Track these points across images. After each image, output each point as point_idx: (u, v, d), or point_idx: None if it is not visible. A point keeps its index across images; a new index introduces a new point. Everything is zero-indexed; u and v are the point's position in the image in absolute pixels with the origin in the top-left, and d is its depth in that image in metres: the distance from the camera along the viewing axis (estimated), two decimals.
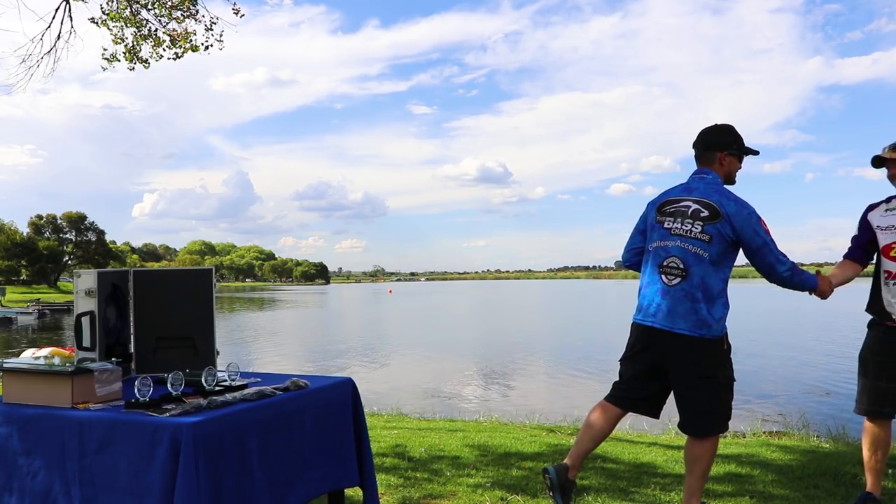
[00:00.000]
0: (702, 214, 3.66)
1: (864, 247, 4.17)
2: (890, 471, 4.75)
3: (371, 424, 7.09)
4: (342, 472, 3.20)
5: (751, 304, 49.60)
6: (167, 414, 2.45)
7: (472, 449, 5.75)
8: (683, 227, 3.69)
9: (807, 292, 3.88)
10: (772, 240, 3.67)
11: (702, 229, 3.64)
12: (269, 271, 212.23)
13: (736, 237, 3.62)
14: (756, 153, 4.00)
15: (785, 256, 3.70)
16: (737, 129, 3.93)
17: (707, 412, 3.65)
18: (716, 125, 3.96)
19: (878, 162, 4.09)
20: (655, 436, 7.20)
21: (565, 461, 3.94)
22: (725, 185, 3.86)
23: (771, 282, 3.81)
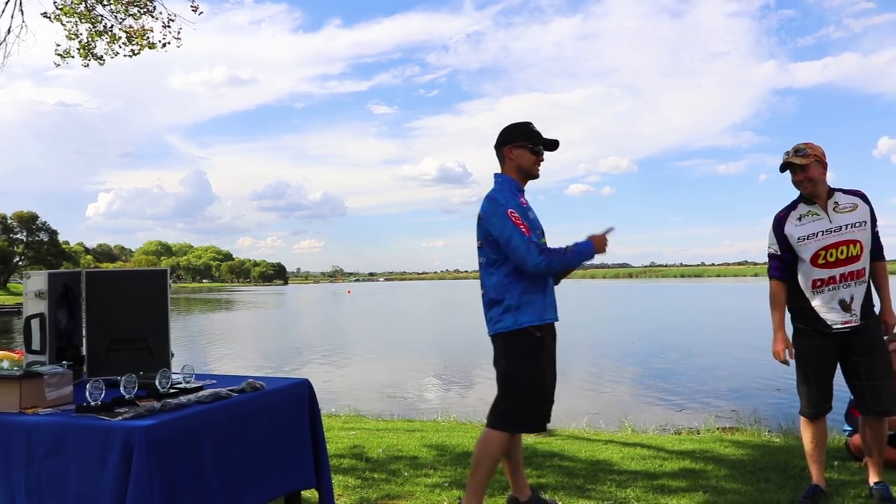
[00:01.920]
0: (477, 223, 3.73)
1: (789, 265, 4.20)
2: (836, 462, 4.89)
3: (329, 425, 7.06)
4: (298, 473, 3.19)
5: (706, 303, 50.39)
6: (119, 417, 2.42)
7: (430, 449, 5.76)
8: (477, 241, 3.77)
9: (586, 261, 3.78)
10: (521, 232, 3.53)
11: (477, 237, 3.73)
12: (227, 272, 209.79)
13: (492, 233, 3.60)
14: (554, 143, 3.84)
15: (537, 245, 3.53)
16: (532, 124, 3.81)
17: (493, 405, 3.70)
18: (509, 123, 3.87)
19: (785, 167, 4.13)
20: (612, 433, 7.29)
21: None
22: (528, 180, 3.82)
23: (534, 275, 3.65)
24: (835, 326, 4.05)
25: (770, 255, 4.28)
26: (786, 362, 4.18)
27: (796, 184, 4.13)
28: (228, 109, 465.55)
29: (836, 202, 4.09)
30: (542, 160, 3.84)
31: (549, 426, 7.35)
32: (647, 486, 4.55)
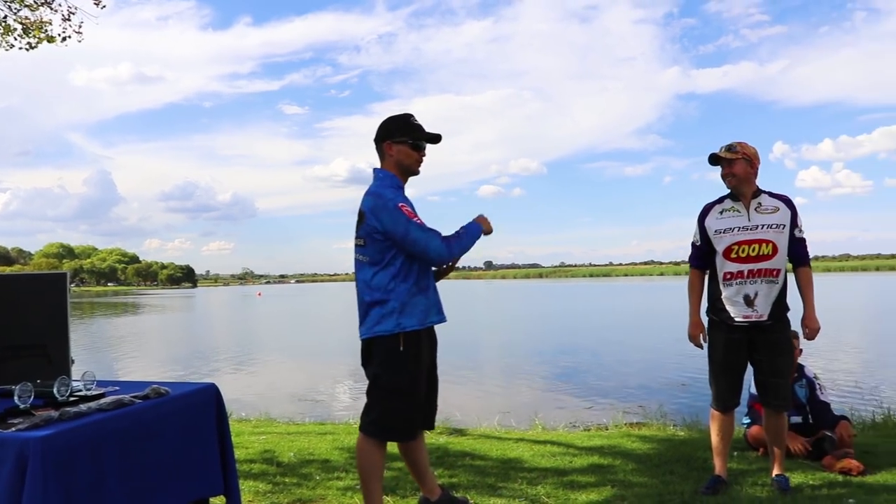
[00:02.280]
0: (357, 221, 3.60)
1: (706, 256, 4.40)
2: (735, 453, 5.08)
3: (239, 430, 6.93)
4: (206, 480, 3.12)
5: (614, 302, 51.57)
6: (13, 429, 2.32)
7: (342, 452, 5.71)
8: (355, 239, 3.65)
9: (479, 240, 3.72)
10: (417, 224, 3.45)
11: (357, 235, 3.59)
12: (133, 275, 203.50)
13: (383, 230, 3.47)
14: (437, 137, 3.72)
15: (434, 232, 3.49)
16: (413, 117, 3.70)
17: (364, 410, 3.63)
18: (389, 116, 3.73)
19: (714, 160, 4.33)
20: (523, 431, 7.37)
21: None
22: (409, 176, 3.70)
23: (436, 266, 3.66)
24: (736, 319, 4.23)
25: (692, 245, 4.49)
26: (700, 346, 4.37)
27: (722, 177, 4.32)
28: (134, 108, 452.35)
29: (759, 203, 4.27)
30: (424, 156, 3.71)
31: (462, 426, 7.40)
32: (558, 482, 4.63)
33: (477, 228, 3.70)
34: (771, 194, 4.33)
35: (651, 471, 4.88)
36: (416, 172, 3.72)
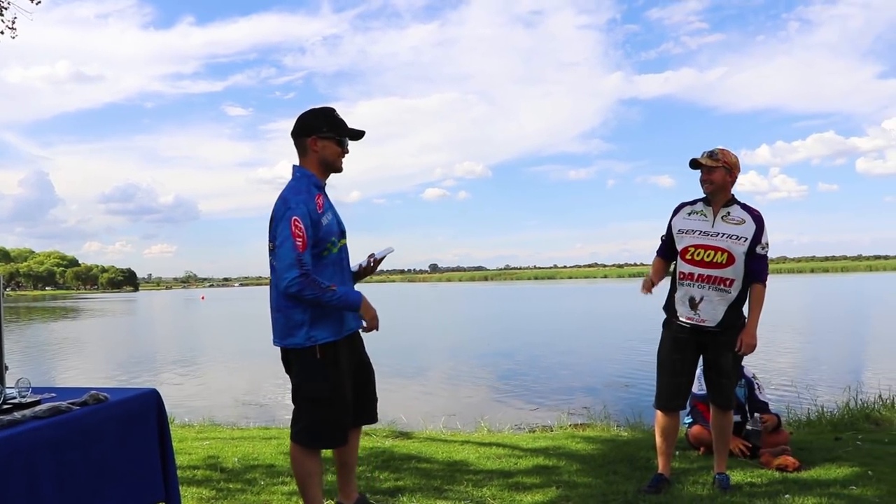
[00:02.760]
0: (269, 224, 3.44)
1: (670, 249, 4.49)
2: (677, 452, 5.17)
3: (182, 436, 6.83)
4: (146, 487, 3.07)
5: (559, 304, 52.04)
6: None
7: (287, 456, 5.62)
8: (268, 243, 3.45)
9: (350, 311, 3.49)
10: (293, 245, 3.25)
11: (270, 238, 3.40)
12: (72, 278, 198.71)
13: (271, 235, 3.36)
14: (360, 133, 3.62)
15: (301, 265, 3.24)
16: (336, 111, 3.57)
17: (293, 419, 3.55)
18: (308, 110, 3.58)
19: (694, 164, 4.34)
20: (468, 434, 7.40)
21: None
22: (330, 173, 3.58)
23: (284, 293, 3.33)
24: (681, 318, 4.32)
25: (661, 238, 4.57)
26: (645, 290, 4.44)
27: (700, 181, 4.35)
28: (73, 107, 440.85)
29: (728, 212, 4.33)
30: (348, 152, 3.59)
31: (407, 429, 7.40)
32: (503, 484, 4.66)
33: (355, 302, 3.43)
34: (744, 206, 4.36)
35: (595, 471, 4.94)
36: (340, 169, 3.59)
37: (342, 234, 3.59)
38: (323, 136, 3.49)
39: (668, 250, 4.52)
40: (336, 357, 3.44)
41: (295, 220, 3.28)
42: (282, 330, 3.43)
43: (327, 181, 3.61)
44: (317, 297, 3.27)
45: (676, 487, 4.42)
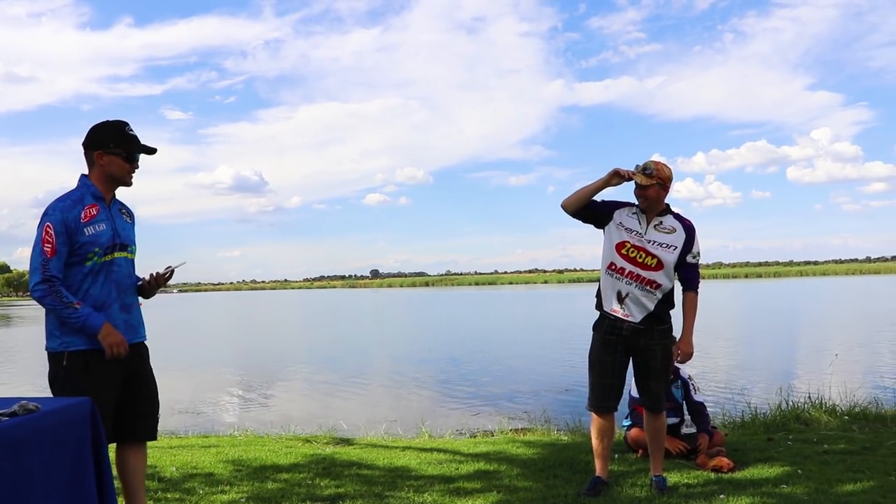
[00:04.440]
0: None
1: (601, 208, 4.45)
2: (616, 455, 5.24)
3: None
4: (81, 499, 2.97)
5: (500, 309, 52.32)
6: None
7: (227, 464, 5.58)
8: None
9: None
10: (41, 251, 3.30)
11: None
12: (3, 285, 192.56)
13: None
14: (152, 150, 3.62)
15: (45, 273, 3.30)
16: (129, 126, 3.56)
17: None
18: (99, 123, 3.56)
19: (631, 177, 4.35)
20: (410, 439, 7.38)
21: None
22: (117, 187, 3.58)
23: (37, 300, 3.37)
24: (606, 309, 4.39)
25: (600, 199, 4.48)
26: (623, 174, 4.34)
27: (635, 195, 4.41)
28: (4, 109, 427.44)
29: (661, 221, 4.41)
30: (137, 167, 3.57)
31: (349, 435, 7.35)
32: (444, 489, 4.66)
33: (91, 325, 3.35)
34: (677, 216, 4.46)
35: (535, 475, 4.97)
36: (129, 184, 3.59)
37: (120, 246, 3.53)
38: (109, 151, 3.47)
39: (598, 212, 4.46)
40: (87, 366, 3.37)
41: (47, 226, 3.32)
42: (46, 332, 3.44)
43: (116, 192, 3.62)
44: (56, 308, 3.32)
45: (615, 490, 4.48)
